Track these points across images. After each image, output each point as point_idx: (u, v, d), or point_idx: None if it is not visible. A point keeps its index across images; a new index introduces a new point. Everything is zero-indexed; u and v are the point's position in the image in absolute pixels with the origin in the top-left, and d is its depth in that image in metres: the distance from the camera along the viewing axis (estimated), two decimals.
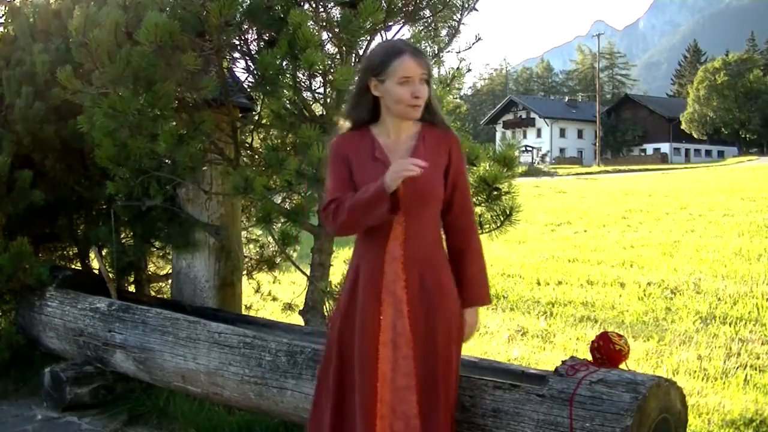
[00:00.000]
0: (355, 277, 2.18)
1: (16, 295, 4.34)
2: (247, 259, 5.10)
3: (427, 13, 3.72)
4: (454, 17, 3.78)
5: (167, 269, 5.14)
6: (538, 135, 65.54)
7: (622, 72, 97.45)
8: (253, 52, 3.62)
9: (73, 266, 5.14)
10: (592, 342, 2.36)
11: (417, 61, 2.08)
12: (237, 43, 3.63)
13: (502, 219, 3.33)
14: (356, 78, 2.26)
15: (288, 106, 3.57)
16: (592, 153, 59.59)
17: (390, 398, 2.08)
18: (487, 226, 3.41)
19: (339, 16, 3.43)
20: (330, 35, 3.53)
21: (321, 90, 3.56)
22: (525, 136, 63.73)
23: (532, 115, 66.33)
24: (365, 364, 2.09)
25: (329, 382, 2.19)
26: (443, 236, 2.23)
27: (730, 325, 5.53)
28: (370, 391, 2.08)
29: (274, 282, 5.98)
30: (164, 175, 3.78)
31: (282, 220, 3.57)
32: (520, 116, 67.92)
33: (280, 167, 3.16)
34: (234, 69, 3.99)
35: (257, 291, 5.83)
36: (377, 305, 2.11)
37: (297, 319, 4.66)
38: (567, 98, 79.44)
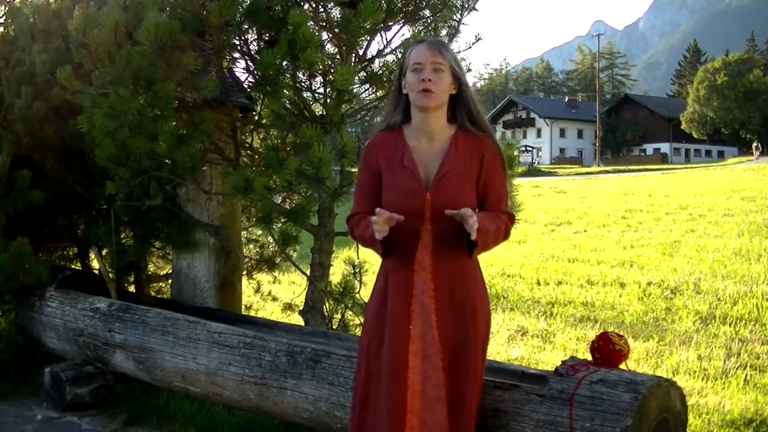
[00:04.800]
0: (384, 285, 2.15)
1: (16, 295, 4.34)
2: (247, 259, 5.10)
3: (427, 13, 3.72)
4: (454, 17, 3.78)
5: (167, 269, 5.14)
6: (538, 135, 65.50)
7: (622, 72, 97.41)
8: (253, 52, 3.62)
9: (73, 266, 5.14)
10: (592, 342, 2.36)
11: (430, 49, 2.07)
12: (237, 43, 3.63)
13: None
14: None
15: (288, 106, 3.57)
16: (592, 153, 59.57)
17: (420, 409, 2.05)
18: None
19: (339, 16, 3.43)
20: (330, 35, 3.53)
21: (321, 90, 3.56)
22: (525, 136, 63.66)
23: (532, 115, 66.30)
24: (394, 373, 2.06)
25: (356, 392, 2.20)
26: None
27: (730, 325, 5.53)
28: (400, 401, 2.05)
29: (274, 282, 5.99)
30: (164, 175, 3.78)
31: (282, 220, 3.57)
32: (520, 116, 67.89)
33: (280, 167, 3.16)
34: (234, 69, 3.99)
35: (257, 291, 5.84)
36: (407, 315, 2.07)
37: (297, 319, 4.66)
38: (567, 98, 79.40)
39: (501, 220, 2.12)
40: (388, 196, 2.11)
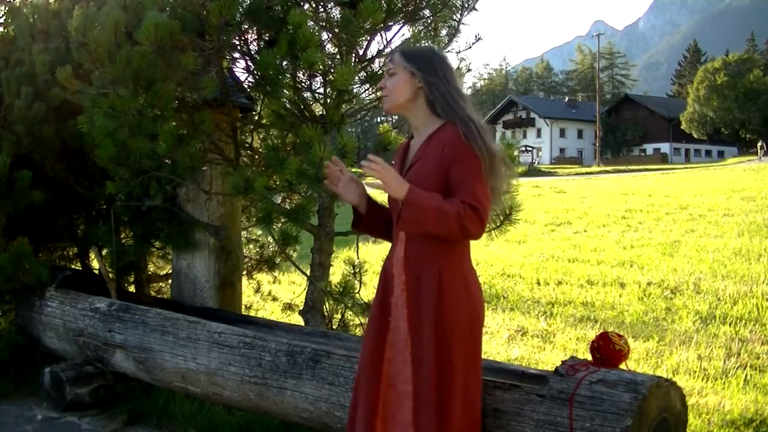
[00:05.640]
0: (379, 279, 2.24)
1: (16, 295, 4.34)
2: (247, 259, 5.10)
3: (427, 13, 3.72)
4: (454, 17, 3.78)
5: (167, 269, 5.14)
6: (538, 135, 65.52)
7: (622, 72, 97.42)
8: (253, 52, 3.62)
9: (73, 266, 5.14)
10: (592, 342, 2.36)
11: (389, 59, 2.20)
12: (237, 43, 3.63)
13: (501, 218, 3.32)
14: None
15: (288, 106, 3.57)
16: (592, 153, 59.58)
17: (391, 402, 2.07)
18: (487, 225, 3.40)
19: (339, 16, 3.43)
20: (330, 35, 3.53)
21: (321, 90, 3.56)
22: (525, 136, 63.68)
23: (532, 115, 66.32)
24: (372, 364, 2.11)
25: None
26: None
27: (730, 325, 5.53)
28: (374, 392, 2.09)
29: (274, 282, 5.99)
30: (164, 175, 3.78)
31: (282, 220, 3.57)
32: (520, 116, 67.90)
33: (280, 167, 3.16)
34: (234, 69, 3.99)
35: (257, 291, 5.84)
36: (387, 306, 2.12)
37: (297, 319, 4.66)
38: (567, 98, 79.41)
39: (452, 204, 1.97)
40: None
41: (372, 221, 2.29)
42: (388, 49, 3.65)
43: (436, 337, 2.03)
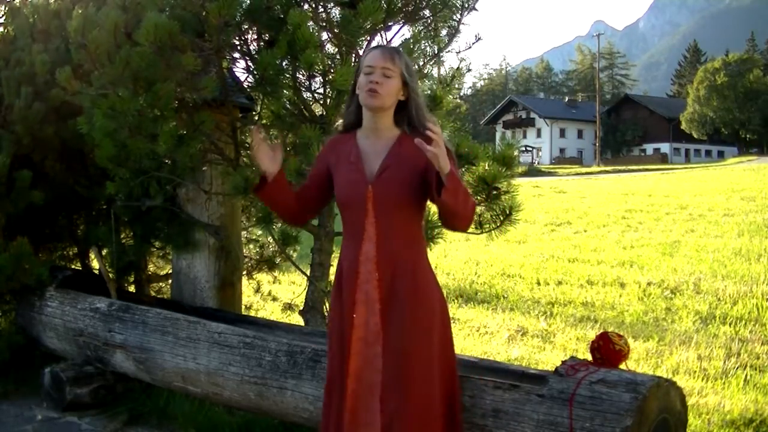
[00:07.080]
0: (339, 276, 2.26)
1: (16, 295, 4.34)
2: (247, 259, 5.10)
3: (427, 13, 3.72)
4: (454, 17, 3.78)
5: (167, 269, 5.14)
6: (538, 135, 65.49)
7: (621, 72, 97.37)
8: (253, 52, 3.62)
9: (73, 266, 5.14)
10: (592, 342, 2.36)
11: (383, 55, 2.16)
12: (237, 43, 3.63)
13: (501, 218, 3.33)
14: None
15: (288, 106, 3.57)
16: (592, 153, 59.58)
17: (362, 393, 2.14)
18: (487, 225, 3.41)
19: (339, 16, 3.43)
20: (330, 35, 3.53)
21: (321, 90, 3.56)
22: (525, 136, 63.61)
23: (532, 115, 66.29)
24: (341, 358, 2.18)
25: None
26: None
27: (730, 325, 5.53)
28: (344, 385, 2.16)
29: (274, 282, 5.98)
30: (164, 175, 3.78)
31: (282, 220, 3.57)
32: (520, 116, 67.87)
33: None
34: (234, 69, 3.99)
35: (257, 291, 5.84)
36: (351, 304, 2.17)
37: (297, 319, 4.66)
38: (567, 98, 79.36)
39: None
40: (337, 191, 2.24)
41: (276, 191, 2.26)
42: None
43: (419, 330, 2.12)
